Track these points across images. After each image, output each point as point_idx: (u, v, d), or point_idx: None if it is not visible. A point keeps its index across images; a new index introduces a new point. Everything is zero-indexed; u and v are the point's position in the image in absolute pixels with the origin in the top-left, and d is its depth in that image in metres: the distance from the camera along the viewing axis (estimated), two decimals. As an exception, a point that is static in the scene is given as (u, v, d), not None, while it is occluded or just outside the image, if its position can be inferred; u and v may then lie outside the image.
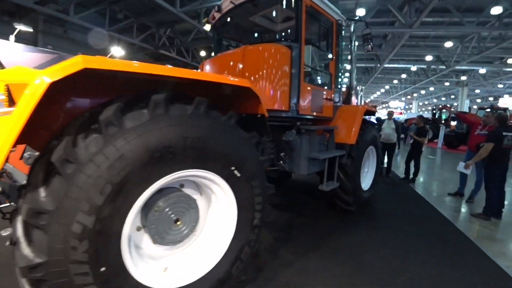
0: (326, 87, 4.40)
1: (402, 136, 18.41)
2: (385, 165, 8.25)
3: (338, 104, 4.76)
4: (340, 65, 4.71)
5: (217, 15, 4.40)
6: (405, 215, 5.07)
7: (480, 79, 26.18)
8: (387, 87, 35.24)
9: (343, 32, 4.73)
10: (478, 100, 39.42)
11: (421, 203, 5.92)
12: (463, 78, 26.32)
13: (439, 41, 17.26)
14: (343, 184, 4.42)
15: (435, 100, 41.47)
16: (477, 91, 33.16)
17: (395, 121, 8.14)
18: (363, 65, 24.15)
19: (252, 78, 3.44)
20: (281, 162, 4.11)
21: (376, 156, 5.29)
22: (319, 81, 4.50)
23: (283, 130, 3.87)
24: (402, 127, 16.52)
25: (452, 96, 37.16)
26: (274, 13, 4.24)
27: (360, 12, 12.93)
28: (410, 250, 3.73)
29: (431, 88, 33.43)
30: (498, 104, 28.81)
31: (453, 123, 20.33)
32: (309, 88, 3.88)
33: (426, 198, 6.27)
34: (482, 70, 22.70)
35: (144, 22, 15.22)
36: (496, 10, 11.41)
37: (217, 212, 2.46)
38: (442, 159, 14.24)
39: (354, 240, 3.94)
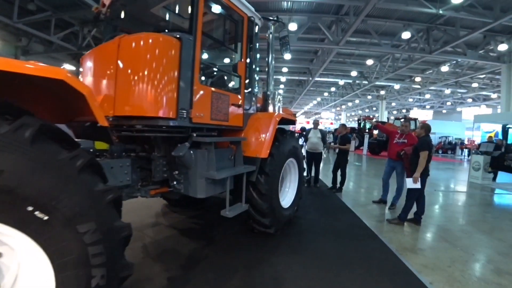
0: (233, 92, 3.67)
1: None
2: (313, 175, 7.89)
3: (251, 111, 4.07)
4: (253, 67, 4.03)
5: (107, 2, 3.42)
6: (330, 231, 4.55)
7: (395, 94, 28.77)
8: (318, 99, 36.80)
9: (257, 31, 4.07)
10: (394, 112, 43.54)
11: (347, 214, 5.52)
12: (382, 92, 28.82)
13: (362, 59, 18.70)
14: (257, 205, 3.68)
15: (360, 112, 44.83)
16: (393, 104, 36.56)
17: (321, 130, 7.84)
18: (296, 77, 24.71)
19: (129, 76, 2.63)
20: (175, 183, 3.23)
21: (298, 169, 4.70)
22: (225, 84, 3.79)
23: (180, 143, 3.02)
24: (334, 137, 17.10)
25: (374, 108, 40.44)
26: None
27: (292, 26, 13.15)
28: (331, 278, 3.12)
29: (357, 101, 35.92)
30: (409, 115, 32.04)
31: (375, 131, 21.76)
32: (206, 91, 3.10)
33: (352, 208, 5.93)
34: (397, 86, 25.32)
35: (64, 18, 13.00)
36: (406, 35, 13.02)
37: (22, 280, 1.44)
38: (367, 165, 14.74)
39: (270, 272, 3.18)
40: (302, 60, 20.30)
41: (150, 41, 2.60)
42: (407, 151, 5.35)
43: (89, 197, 1.52)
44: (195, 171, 3.07)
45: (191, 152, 3.05)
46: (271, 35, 4.41)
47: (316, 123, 7.94)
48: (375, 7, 10.99)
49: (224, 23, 3.40)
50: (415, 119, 22.71)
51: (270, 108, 4.43)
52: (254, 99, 4.18)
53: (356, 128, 26.53)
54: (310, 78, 22.36)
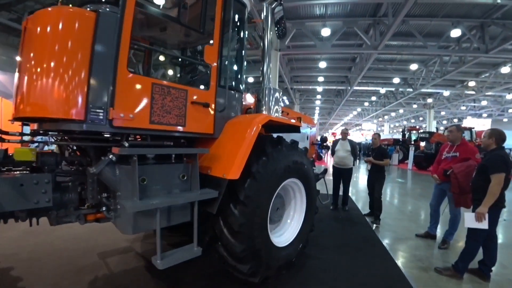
0: (197, 86, 2.72)
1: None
2: (341, 194, 6.32)
3: (232, 114, 2.92)
4: (232, 55, 2.94)
5: None
6: (347, 283, 3.08)
7: (444, 101, 25.22)
8: (359, 109, 34.09)
9: (240, 11, 2.92)
10: (444, 122, 38.64)
11: (378, 254, 3.93)
12: (429, 100, 25.48)
13: (405, 64, 16.53)
14: (228, 246, 2.46)
15: (405, 122, 40.51)
16: (443, 113, 32.33)
17: (350, 141, 6.29)
18: (334, 87, 22.84)
19: (26, 65, 1.96)
20: (104, 209, 2.27)
21: (307, 193, 3.35)
22: (187, 77, 2.94)
23: None
24: (367, 149, 14.78)
25: (421, 118, 36.23)
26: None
27: (325, 32, 11.88)
28: None
29: (401, 110, 32.43)
30: (462, 125, 27.85)
31: (422, 143, 18.86)
32: (142, 83, 2.19)
33: (387, 244, 4.30)
34: (446, 93, 22.07)
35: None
36: (455, 32, 10.80)
37: None
38: (412, 183, 12.32)
39: None
40: (339, 68, 18.60)
41: (48, 17, 1.91)
42: (456, 169, 3.67)
43: None
44: (120, 197, 2.10)
45: (116, 169, 2.13)
46: (268, 18, 3.22)
47: (344, 134, 6.39)
48: (417, 4, 9.25)
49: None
50: (470, 129, 19.15)
51: (263, 110, 3.19)
52: (237, 97, 3.01)
53: (400, 139, 23.54)
54: (349, 87, 20.49)
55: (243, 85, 3.16)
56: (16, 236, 3.94)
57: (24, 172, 2.25)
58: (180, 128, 2.46)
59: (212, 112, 2.68)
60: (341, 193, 6.30)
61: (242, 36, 3.10)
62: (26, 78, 1.94)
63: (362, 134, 45.10)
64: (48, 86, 1.88)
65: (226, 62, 2.77)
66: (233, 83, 3.06)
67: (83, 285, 2.78)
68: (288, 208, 3.40)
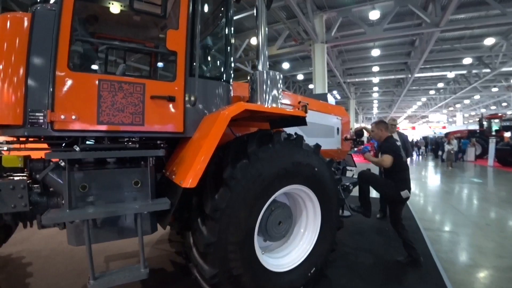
0: (158, 77, 2.47)
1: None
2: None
3: (203, 107, 2.29)
4: (219, 40, 2.50)
5: None
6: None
7: (537, 82, 20.21)
8: (424, 99, 29.81)
9: None
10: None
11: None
12: (515, 82, 20.64)
13: (478, 40, 13.44)
14: (198, 269, 1.93)
15: (483, 110, 33.84)
16: (534, 96, 26.14)
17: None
18: (392, 76, 20.19)
19: None
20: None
21: (321, 204, 2.51)
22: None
23: None
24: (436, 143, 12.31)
25: (504, 104, 29.91)
26: None
27: (374, 15, 10.42)
28: None
29: (477, 96, 27.17)
30: None
31: (507, 134, 15.30)
32: (85, 80, 1.93)
33: (449, 281, 2.86)
34: (539, 71, 17.34)
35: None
36: None
37: None
38: (495, 184, 9.64)
39: None
40: (396, 55, 16.31)
41: None
42: None
43: None
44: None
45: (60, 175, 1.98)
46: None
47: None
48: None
49: None
50: None
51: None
52: (220, 87, 2.40)
53: (477, 130, 19.63)
54: (409, 75, 17.86)
55: (230, 73, 2.56)
56: (51, 234, 3.94)
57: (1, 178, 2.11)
58: (137, 128, 2.02)
59: (179, 107, 2.14)
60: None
61: (224, 16, 2.52)
62: None
63: (430, 127, 39.87)
64: None
65: (198, 47, 2.19)
66: (213, 71, 2.57)
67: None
68: (299, 222, 2.61)
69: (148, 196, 1.99)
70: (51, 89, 1.81)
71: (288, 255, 2.45)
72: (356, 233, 4.14)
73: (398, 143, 4.42)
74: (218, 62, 2.64)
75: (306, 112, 2.43)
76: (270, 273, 2.15)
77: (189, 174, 1.78)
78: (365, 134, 4.91)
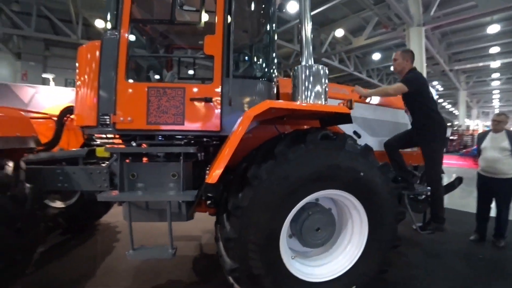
0: (200, 81, 2.73)
1: None
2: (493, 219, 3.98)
3: (242, 106, 2.31)
4: (259, 41, 2.62)
5: None
6: None
7: None
8: None
9: None
10: None
11: None
12: None
13: None
14: (221, 260, 2.05)
15: None
16: None
17: (509, 134, 3.89)
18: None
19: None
20: None
21: (370, 213, 2.20)
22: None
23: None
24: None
25: None
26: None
27: None
28: None
29: None
30: None
31: None
32: (137, 89, 2.31)
33: None
34: None
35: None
36: None
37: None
38: None
39: None
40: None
41: (80, 48, 2.40)
42: None
43: None
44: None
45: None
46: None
47: (498, 121, 4.04)
48: None
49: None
50: None
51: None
52: (260, 86, 2.41)
53: None
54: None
55: (272, 71, 2.56)
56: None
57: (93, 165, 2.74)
58: (177, 127, 2.28)
59: (217, 107, 2.25)
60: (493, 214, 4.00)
61: (265, 17, 2.59)
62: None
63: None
64: (79, 102, 2.36)
65: (234, 50, 2.31)
66: (253, 71, 2.68)
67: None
68: (343, 233, 2.37)
69: (180, 188, 2.19)
70: (113, 97, 2.23)
71: (324, 265, 2.26)
72: (433, 255, 3.42)
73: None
74: (259, 61, 2.67)
75: (351, 108, 2.15)
76: (297, 280, 2.03)
77: (212, 170, 1.86)
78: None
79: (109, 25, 2.33)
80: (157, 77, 2.95)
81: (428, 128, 2.94)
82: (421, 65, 10.32)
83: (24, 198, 2.31)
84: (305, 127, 2.69)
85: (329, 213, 2.30)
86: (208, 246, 3.62)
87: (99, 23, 11.19)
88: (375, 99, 3.24)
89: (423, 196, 3.31)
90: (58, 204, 3.72)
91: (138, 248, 2.22)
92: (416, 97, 2.93)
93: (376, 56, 16.12)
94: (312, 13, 2.49)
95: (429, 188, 3.05)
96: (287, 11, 10.94)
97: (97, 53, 2.27)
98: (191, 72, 3.37)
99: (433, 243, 3.73)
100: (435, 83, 20.63)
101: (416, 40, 10.36)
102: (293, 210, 1.99)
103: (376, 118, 3.10)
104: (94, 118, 2.25)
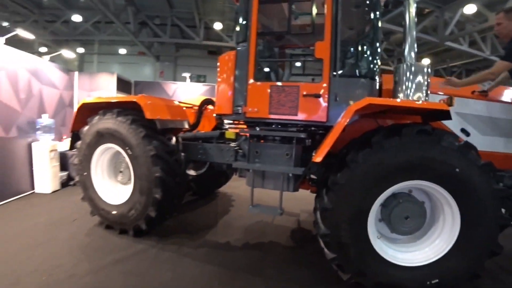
0: (311, 80, 3.11)
1: None
2: None
3: (346, 101, 2.67)
4: (362, 44, 2.93)
5: None
6: None
7: None
8: None
9: None
10: None
11: None
12: None
13: None
14: (317, 225, 2.51)
15: None
16: None
17: None
18: None
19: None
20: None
21: (462, 209, 2.24)
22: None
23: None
24: None
25: None
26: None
27: None
28: None
29: None
30: None
31: None
32: (262, 87, 2.96)
33: None
34: None
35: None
36: None
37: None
38: None
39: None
40: None
41: (220, 57, 3.29)
42: None
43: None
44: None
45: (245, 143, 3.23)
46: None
47: None
48: None
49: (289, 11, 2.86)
50: None
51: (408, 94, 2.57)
52: (361, 84, 2.72)
53: None
54: None
55: (374, 70, 2.82)
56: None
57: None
58: (292, 117, 2.84)
59: (325, 101, 2.71)
60: None
61: (370, 22, 2.87)
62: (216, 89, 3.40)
63: None
64: (219, 95, 3.28)
65: (341, 53, 2.74)
66: (357, 70, 3.01)
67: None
68: (435, 226, 2.49)
69: (292, 164, 2.81)
70: (245, 93, 2.95)
71: (408, 252, 2.46)
72: None
73: None
74: (362, 61, 2.96)
75: (450, 105, 2.23)
76: (378, 257, 2.33)
77: (318, 153, 2.35)
78: None
79: (240, 38, 3.06)
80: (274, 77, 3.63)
81: None
82: None
83: (181, 162, 3.40)
84: (407, 121, 2.84)
85: (419, 204, 2.46)
86: (306, 222, 4.20)
87: (217, 26, 13.07)
88: (498, 94, 3.00)
89: None
90: (192, 172, 4.99)
91: (256, 205, 2.97)
92: None
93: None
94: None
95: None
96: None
97: (233, 60, 3.04)
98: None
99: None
100: None
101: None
102: (384, 193, 2.28)
103: (490, 115, 2.91)
104: (230, 108, 3.02)
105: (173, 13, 13.20)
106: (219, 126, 4.02)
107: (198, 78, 17.03)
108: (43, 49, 15.52)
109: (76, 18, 12.09)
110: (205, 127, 4.40)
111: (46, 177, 4.97)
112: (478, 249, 2.28)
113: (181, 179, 3.42)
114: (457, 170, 2.18)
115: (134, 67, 17.34)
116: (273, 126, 3.04)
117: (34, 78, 5.07)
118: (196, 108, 4.21)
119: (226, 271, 2.77)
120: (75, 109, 3.92)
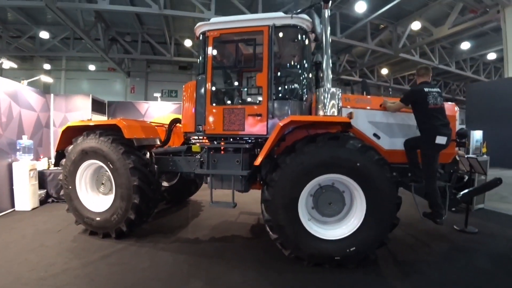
0: (252, 104, 4.00)
1: None
2: None
3: (280, 118, 3.56)
4: (292, 74, 3.94)
5: None
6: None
7: None
8: None
9: (283, 34, 3.75)
10: None
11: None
12: None
13: None
14: (262, 212, 3.36)
15: None
16: None
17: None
18: None
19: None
20: None
21: (367, 194, 3.17)
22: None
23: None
24: None
25: None
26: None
27: None
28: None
29: None
30: None
31: None
32: (217, 109, 3.76)
33: None
34: None
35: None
36: None
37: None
38: None
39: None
40: None
41: (185, 85, 4.12)
42: None
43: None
44: None
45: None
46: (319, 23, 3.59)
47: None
48: None
49: (236, 49, 3.85)
50: None
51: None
52: (292, 104, 3.68)
53: None
54: None
55: (301, 93, 3.81)
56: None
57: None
58: (240, 132, 3.68)
59: (263, 119, 3.59)
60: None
61: (300, 55, 3.83)
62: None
63: None
64: (184, 116, 4.08)
65: (276, 82, 3.78)
66: (288, 94, 3.99)
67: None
68: (352, 210, 3.39)
69: (240, 168, 3.62)
70: (204, 114, 3.75)
71: (333, 230, 3.34)
72: (461, 250, 3.88)
73: None
74: (293, 87, 3.93)
75: (350, 118, 3.22)
76: (310, 235, 3.20)
77: (257, 158, 3.24)
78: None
79: (200, 70, 3.88)
80: (229, 102, 4.45)
81: (421, 134, 3.61)
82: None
83: (154, 172, 4.11)
84: (334, 131, 3.74)
85: (339, 193, 3.37)
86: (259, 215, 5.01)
87: (187, 43, 13.87)
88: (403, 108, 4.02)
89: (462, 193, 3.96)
90: (165, 183, 5.67)
91: (215, 202, 3.74)
92: (412, 109, 3.66)
93: (465, 45, 14.40)
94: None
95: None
96: (356, 11, 10.61)
97: (194, 88, 3.83)
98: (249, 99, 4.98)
99: (475, 242, 4.12)
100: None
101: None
102: (308, 185, 3.17)
103: (395, 122, 3.85)
104: (193, 127, 3.80)
105: (144, 30, 13.75)
106: (186, 141, 4.75)
107: (169, 93, 17.67)
108: (6, 65, 15.32)
109: (44, 34, 12.15)
110: (175, 143, 5.16)
111: (26, 195, 5.41)
112: (382, 222, 3.20)
113: (155, 186, 4.14)
114: (358, 164, 3.11)
115: (104, 84, 17.55)
116: (228, 139, 3.83)
117: (13, 102, 5.57)
118: (167, 126, 4.97)
119: (195, 257, 3.51)
120: (52, 130, 4.51)
